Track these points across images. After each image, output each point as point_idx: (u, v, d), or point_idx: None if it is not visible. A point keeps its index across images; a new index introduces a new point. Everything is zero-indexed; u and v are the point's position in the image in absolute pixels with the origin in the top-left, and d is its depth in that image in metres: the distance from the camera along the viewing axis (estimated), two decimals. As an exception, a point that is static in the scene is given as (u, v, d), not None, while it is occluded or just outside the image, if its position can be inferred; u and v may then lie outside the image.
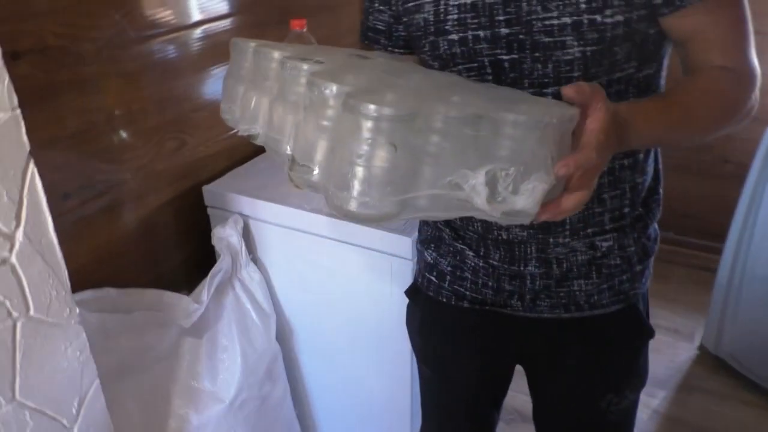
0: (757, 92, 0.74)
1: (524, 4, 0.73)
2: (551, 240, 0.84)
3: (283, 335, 1.48)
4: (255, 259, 1.41)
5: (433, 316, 1.02)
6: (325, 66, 0.63)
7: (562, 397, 0.99)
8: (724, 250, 2.01)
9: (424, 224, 1.01)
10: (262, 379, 1.36)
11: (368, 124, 0.51)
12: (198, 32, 1.36)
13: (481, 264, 0.91)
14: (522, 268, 0.87)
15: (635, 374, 0.95)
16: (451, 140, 0.53)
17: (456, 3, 0.76)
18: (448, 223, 0.93)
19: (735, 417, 1.93)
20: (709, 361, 2.13)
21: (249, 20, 1.49)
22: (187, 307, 1.21)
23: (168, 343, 1.21)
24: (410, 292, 1.06)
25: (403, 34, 0.90)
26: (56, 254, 0.78)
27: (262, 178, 1.42)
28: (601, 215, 0.84)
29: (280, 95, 0.67)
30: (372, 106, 0.50)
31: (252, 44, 0.75)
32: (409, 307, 1.08)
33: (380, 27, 0.92)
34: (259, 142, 0.73)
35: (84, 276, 1.15)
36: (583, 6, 0.70)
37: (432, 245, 0.97)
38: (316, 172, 0.58)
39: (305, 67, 0.63)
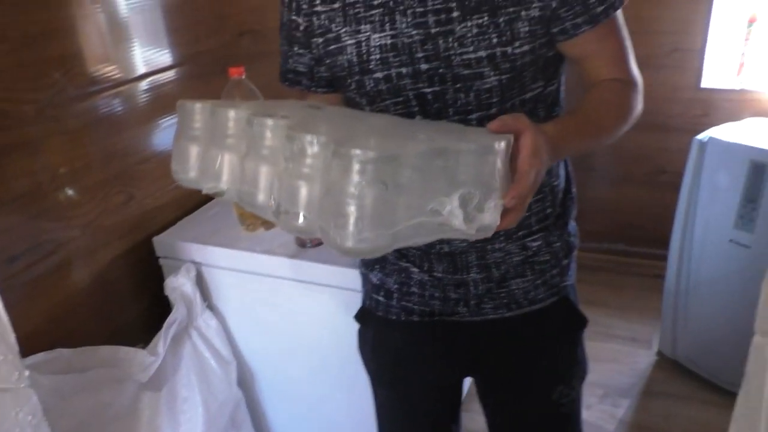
0: (641, 96, 0.87)
1: (441, 42, 0.80)
2: (489, 247, 0.92)
3: (245, 380, 1.48)
4: (211, 306, 1.41)
5: (385, 335, 1.05)
6: (291, 120, 0.69)
7: (516, 398, 1.03)
8: (668, 256, 2.10)
9: None
10: (226, 426, 1.35)
11: (358, 168, 0.57)
12: (141, 85, 1.38)
13: (426, 278, 0.95)
14: (465, 276, 0.94)
15: (577, 363, 1.03)
16: (426, 173, 0.59)
17: (377, 44, 0.82)
18: None
19: (697, 418, 1.99)
20: (667, 365, 2.20)
21: (191, 71, 1.53)
22: (143, 360, 1.20)
23: (126, 400, 1.20)
24: (360, 316, 1.09)
25: (325, 74, 0.94)
26: (1, 318, 0.78)
27: (213, 224, 1.44)
28: (529, 218, 0.92)
29: (252, 150, 0.70)
30: (360, 152, 0.57)
31: (198, 105, 0.78)
32: (360, 331, 1.10)
33: (301, 69, 0.95)
34: (227, 198, 0.76)
35: (38, 338, 1.14)
36: (495, 40, 0.78)
37: (376, 266, 1.01)
38: (302, 217, 0.63)
39: (271, 122, 0.68)
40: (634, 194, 2.73)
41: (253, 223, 1.36)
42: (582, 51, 0.84)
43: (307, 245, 1.30)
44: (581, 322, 1.01)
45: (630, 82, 0.85)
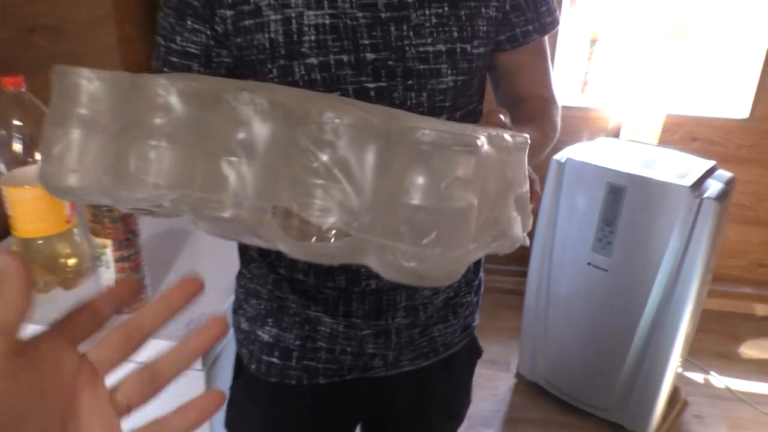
0: (560, 114, 0.86)
1: (393, 29, 0.68)
2: None
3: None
4: None
5: (280, 407, 0.87)
6: (279, 97, 0.43)
7: None
8: (528, 270, 2.05)
9: (252, 297, 0.86)
10: None
11: (463, 161, 0.39)
12: None
13: (340, 328, 0.82)
14: (389, 321, 0.82)
15: (470, 396, 1.01)
16: (499, 173, 0.45)
17: (312, 23, 0.67)
18: (295, 288, 0.81)
19: (557, 442, 1.96)
20: (527, 388, 2.16)
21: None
22: None
23: None
24: (242, 387, 0.88)
25: (227, 60, 0.72)
26: None
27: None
28: None
29: (223, 143, 0.42)
30: (472, 138, 0.39)
31: (102, 73, 0.45)
32: (236, 408, 0.89)
33: (193, 51, 0.71)
34: (163, 214, 0.44)
35: None
36: (456, 34, 0.71)
37: (269, 320, 0.84)
38: (337, 228, 0.40)
39: (260, 101, 0.42)
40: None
41: (46, 280, 1.02)
42: (519, 63, 0.81)
43: (123, 311, 0.99)
44: (478, 354, 0.99)
45: (555, 102, 0.84)
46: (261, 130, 0.42)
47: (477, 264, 0.92)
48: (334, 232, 0.40)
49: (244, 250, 0.87)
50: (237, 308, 0.89)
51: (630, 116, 2.41)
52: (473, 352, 0.97)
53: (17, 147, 0.93)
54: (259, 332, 0.85)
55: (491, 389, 2.15)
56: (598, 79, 2.49)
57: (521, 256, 2.15)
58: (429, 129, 0.38)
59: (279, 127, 0.41)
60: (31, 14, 1.32)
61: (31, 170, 0.95)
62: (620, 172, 1.73)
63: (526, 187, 0.50)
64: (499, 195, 0.46)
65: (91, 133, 0.46)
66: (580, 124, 2.48)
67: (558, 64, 2.43)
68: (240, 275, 0.89)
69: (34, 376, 0.28)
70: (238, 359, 0.91)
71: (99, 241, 0.91)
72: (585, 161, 1.81)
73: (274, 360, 0.84)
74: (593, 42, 2.43)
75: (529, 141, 0.49)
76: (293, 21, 0.67)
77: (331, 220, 0.39)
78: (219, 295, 1.02)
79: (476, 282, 0.92)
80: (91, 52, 1.51)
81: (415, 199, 0.38)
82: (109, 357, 0.33)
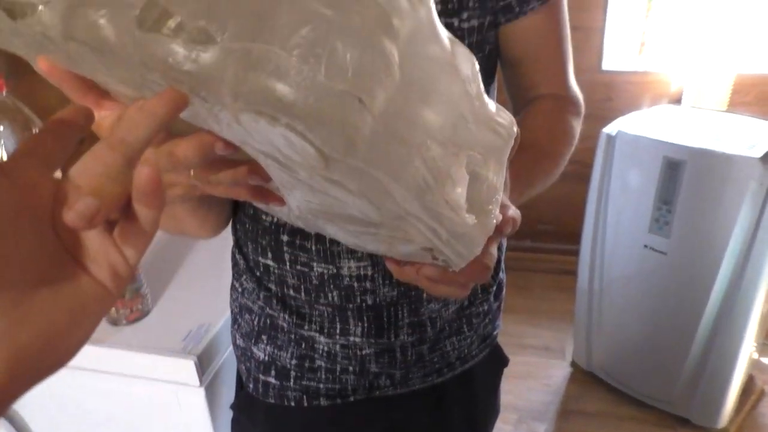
0: (581, 120, 0.75)
1: None
2: (424, 295, 0.72)
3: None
4: (11, 416, 1.03)
5: (280, 429, 0.80)
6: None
7: None
8: (580, 252, 1.90)
9: (246, 312, 0.79)
10: None
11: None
12: None
13: (337, 347, 0.74)
14: (392, 339, 0.73)
15: (495, 408, 0.92)
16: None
17: None
18: (285, 305, 0.74)
19: (615, 437, 1.83)
20: (582, 378, 2.03)
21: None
22: None
23: None
24: (242, 406, 0.82)
25: None
26: None
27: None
28: None
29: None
30: None
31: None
32: (240, 427, 0.84)
33: None
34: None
35: None
36: (439, 7, 0.60)
37: (263, 337, 0.77)
38: None
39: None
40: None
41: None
42: (522, 46, 0.69)
43: (121, 323, 0.95)
44: (504, 363, 0.90)
45: (572, 101, 0.73)
46: None
47: (495, 266, 0.81)
48: None
49: (235, 263, 0.80)
50: (233, 322, 0.83)
51: (694, 79, 2.17)
52: (497, 362, 0.88)
53: (1, 153, 0.90)
54: (254, 349, 0.78)
55: (543, 379, 2.03)
56: (657, 39, 2.25)
57: (572, 234, 2.01)
58: None
59: None
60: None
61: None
62: (678, 145, 1.55)
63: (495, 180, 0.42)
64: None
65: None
66: (638, 90, 2.26)
67: (611, 22, 2.22)
68: (232, 288, 0.82)
69: (12, 194, 0.27)
70: (239, 375, 0.85)
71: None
72: (638, 134, 1.64)
73: (271, 380, 0.77)
74: (651, -2, 2.20)
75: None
76: None
77: None
78: (219, 305, 0.95)
79: (494, 287, 0.82)
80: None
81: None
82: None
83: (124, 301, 0.94)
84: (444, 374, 0.80)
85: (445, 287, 0.48)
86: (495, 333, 0.85)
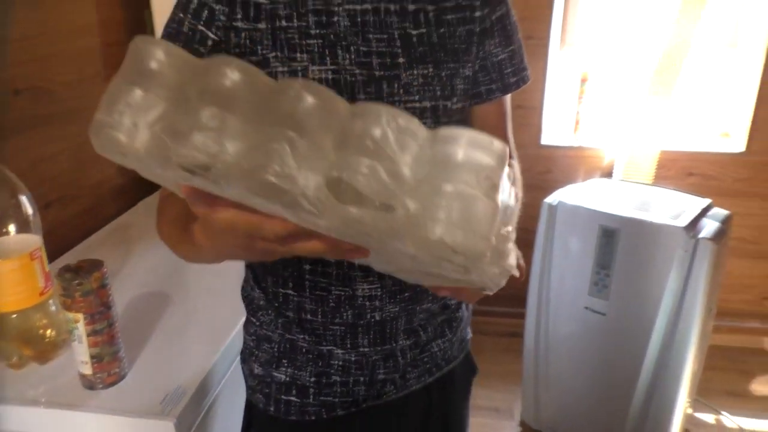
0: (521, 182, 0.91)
1: (385, 86, 0.75)
2: (417, 308, 0.87)
3: None
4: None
5: None
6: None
7: None
8: (526, 314, 2.01)
9: (264, 342, 0.90)
10: None
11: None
12: None
13: (352, 358, 0.87)
14: (393, 345, 0.87)
15: (467, 415, 1.05)
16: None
17: (317, 77, 0.74)
18: (303, 328, 0.86)
19: (565, 494, 1.89)
20: (532, 437, 2.10)
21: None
22: None
23: None
24: (264, 428, 0.91)
25: None
26: None
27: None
28: None
29: (278, 119, 0.48)
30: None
31: (168, 46, 0.51)
32: None
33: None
34: (216, 175, 0.47)
35: None
36: (438, 92, 0.78)
37: (284, 361, 0.88)
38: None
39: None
40: (486, 251, 2.67)
41: (21, 355, 1.00)
42: (483, 120, 0.86)
43: (98, 387, 0.97)
44: (474, 371, 1.03)
45: (512, 153, 0.87)
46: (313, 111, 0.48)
47: None
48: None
49: (249, 300, 0.92)
50: (248, 356, 0.92)
51: (623, 154, 2.40)
52: (470, 368, 1.02)
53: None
54: (275, 374, 0.89)
55: (495, 439, 2.09)
56: (590, 119, 2.49)
57: (517, 297, 2.12)
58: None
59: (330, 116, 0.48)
60: (16, 75, 1.32)
61: (2, 242, 0.95)
62: (613, 214, 1.71)
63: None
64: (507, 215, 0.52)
65: (156, 95, 0.50)
66: (573, 164, 2.47)
67: (549, 104, 2.44)
68: (248, 323, 0.92)
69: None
70: (249, 408, 0.94)
71: (71, 315, 0.89)
72: (577, 204, 1.80)
73: (293, 398, 0.88)
74: (584, 81, 2.44)
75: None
76: (299, 74, 0.73)
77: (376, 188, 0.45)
78: (196, 366, 0.99)
79: None
80: (80, 109, 1.51)
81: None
82: None
83: (101, 365, 0.96)
84: (433, 374, 0.93)
85: (469, 295, 0.68)
86: (468, 338, 1.00)
